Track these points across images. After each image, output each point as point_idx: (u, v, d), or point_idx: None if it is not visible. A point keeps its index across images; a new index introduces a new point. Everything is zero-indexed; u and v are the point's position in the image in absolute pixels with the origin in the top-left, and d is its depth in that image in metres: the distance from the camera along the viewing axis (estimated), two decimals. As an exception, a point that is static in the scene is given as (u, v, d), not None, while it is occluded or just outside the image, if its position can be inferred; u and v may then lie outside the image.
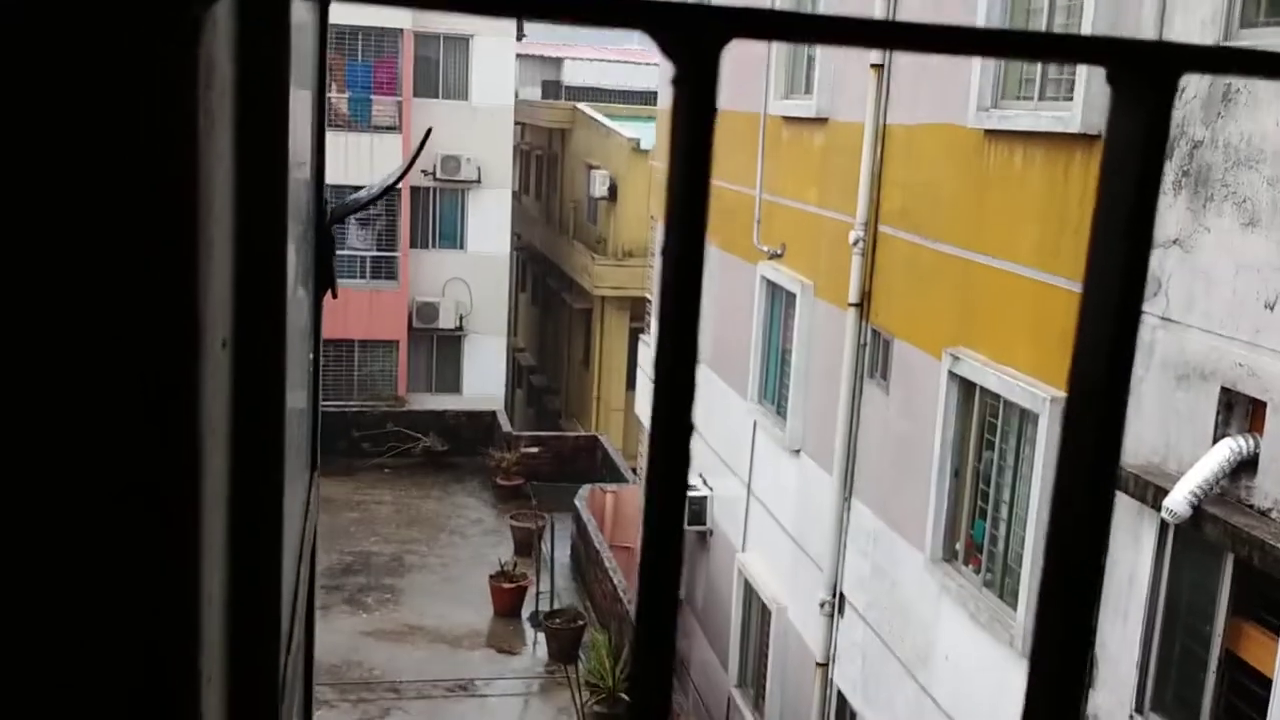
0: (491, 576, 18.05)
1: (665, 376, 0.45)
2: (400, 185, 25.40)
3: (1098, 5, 7.37)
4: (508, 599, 17.87)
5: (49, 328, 0.48)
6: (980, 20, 8.73)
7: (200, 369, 0.52)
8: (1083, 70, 7.51)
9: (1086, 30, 7.48)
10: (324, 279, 1.69)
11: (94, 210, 0.45)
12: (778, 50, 12.77)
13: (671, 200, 0.46)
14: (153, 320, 0.48)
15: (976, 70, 8.75)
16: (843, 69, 11.26)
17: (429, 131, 4.55)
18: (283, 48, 0.76)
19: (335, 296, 1.77)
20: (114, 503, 0.51)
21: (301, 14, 1.35)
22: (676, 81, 0.43)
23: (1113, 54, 0.49)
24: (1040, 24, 8.33)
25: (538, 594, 17.76)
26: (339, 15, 24.59)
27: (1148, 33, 6.92)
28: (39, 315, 0.47)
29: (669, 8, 0.43)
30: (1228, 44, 6.37)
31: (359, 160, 24.97)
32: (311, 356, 1.75)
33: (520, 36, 27.81)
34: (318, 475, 1.82)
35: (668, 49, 0.43)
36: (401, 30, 25.64)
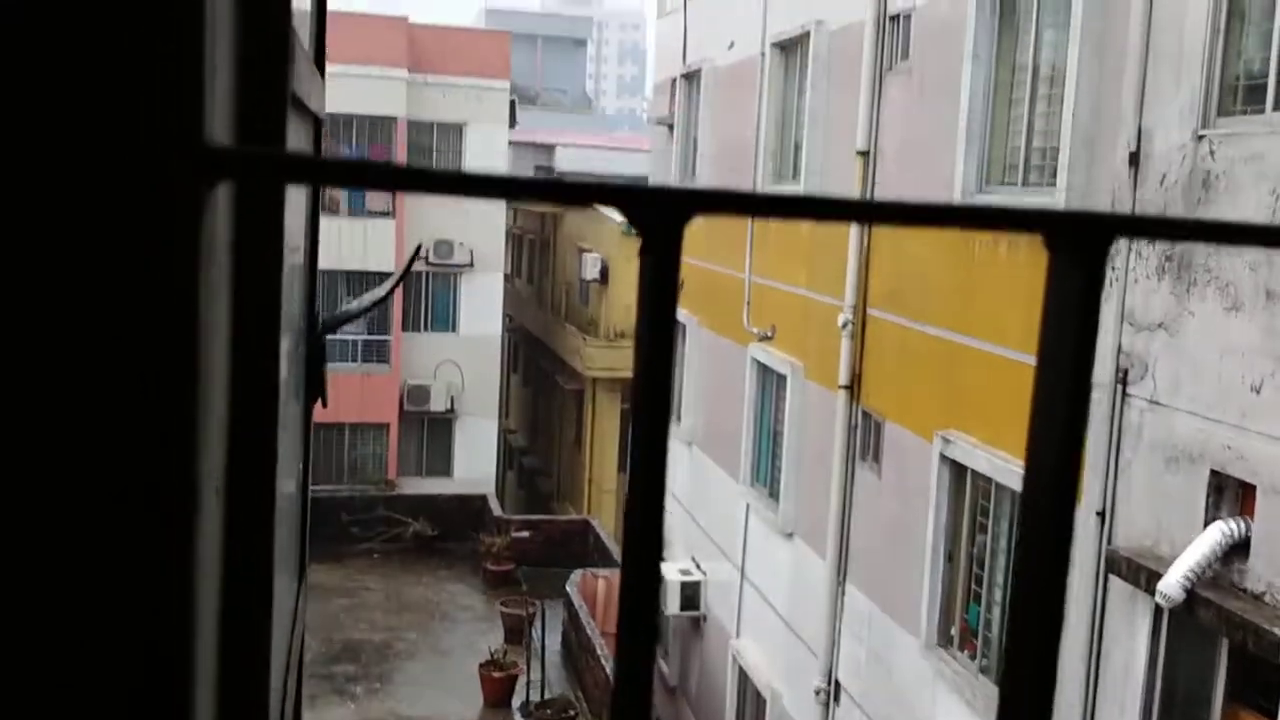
0: (481, 665, 17.81)
1: (631, 564, 0.47)
2: (392, 271, 25.54)
3: (1078, 97, 7.53)
4: (498, 688, 17.60)
5: (48, 481, 0.49)
6: (962, 114, 8.89)
7: (196, 521, 0.54)
8: (1065, 155, 7.65)
9: (1067, 119, 7.62)
10: (314, 389, 1.71)
11: (97, 391, 0.47)
12: (766, 135, 12.98)
13: (638, 360, 0.49)
14: (153, 483, 0.50)
15: (961, 155, 8.90)
16: (830, 155, 11.44)
17: (419, 247, 4.65)
18: (276, 224, 0.79)
19: (325, 406, 1.79)
20: (101, 655, 0.52)
21: (295, 143, 1.39)
22: (643, 252, 0.47)
23: (1049, 223, 0.52)
24: (1022, 113, 8.49)
25: (528, 683, 17.50)
26: (334, 103, 24.94)
27: (1127, 122, 7.06)
28: (39, 473, 0.49)
29: (638, 190, 0.47)
30: (1204, 132, 6.49)
31: (353, 245, 25.17)
32: (301, 467, 1.77)
33: (513, 124, 28.22)
34: (305, 583, 1.82)
35: (636, 224, 0.47)
36: (395, 118, 26.00)
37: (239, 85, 0.72)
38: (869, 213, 0.51)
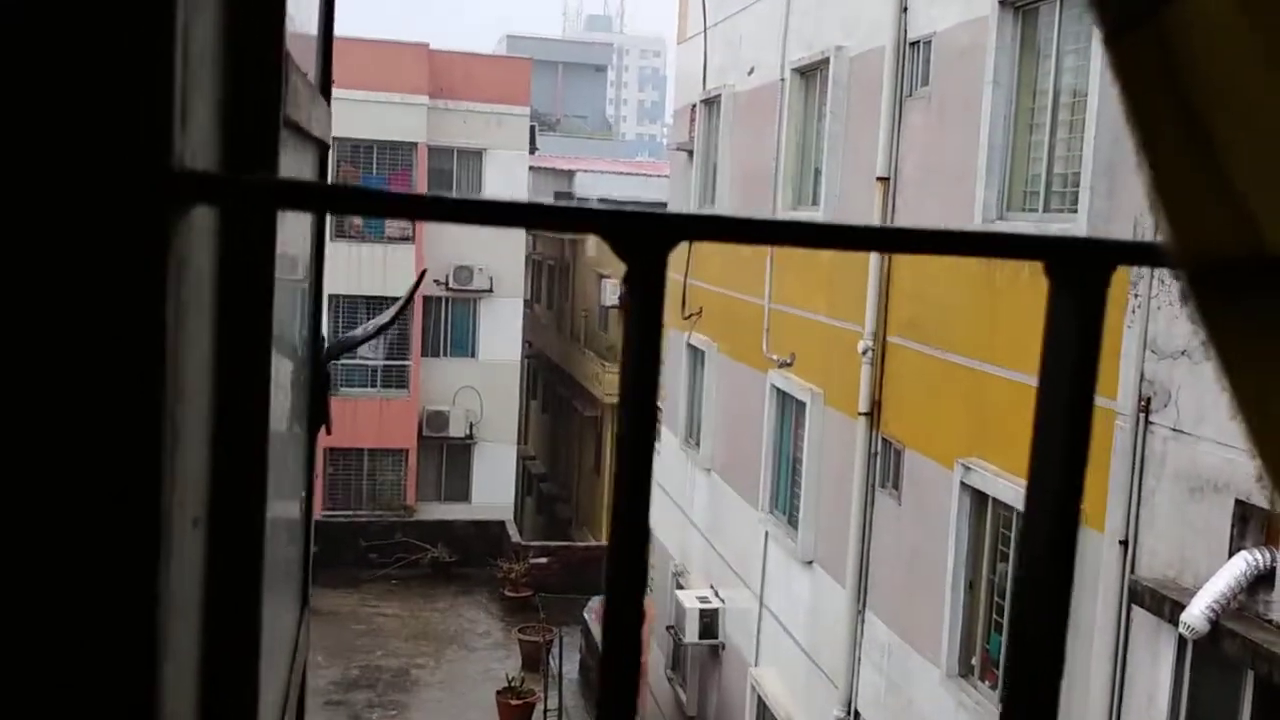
0: (499, 692, 17.74)
1: (616, 562, 0.45)
2: (411, 303, 25.64)
3: (1099, 123, 7.50)
4: (515, 716, 17.53)
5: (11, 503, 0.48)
6: (982, 140, 8.87)
7: (163, 549, 0.52)
8: (1087, 181, 7.61)
9: (1089, 145, 7.59)
10: (318, 417, 1.70)
11: (59, 399, 0.46)
12: (785, 160, 12.99)
13: (624, 384, 0.49)
14: (112, 499, 0.49)
15: (981, 181, 8.87)
16: (849, 181, 11.43)
17: (423, 273, 4.72)
18: (264, 248, 0.78)
19: (330, 433, 1.77)
20: (64, 685, 0.51)
21: (298, 169, 1.38)
22: (627, 279, 0.46)
23: (1048, 250, 0.52)
24: (1043, 139, 8.46)
25: (545, 711, 17.42)
26: (354, 129, 25.16)
27: None
28: None
29: (622, 215, 0.46)
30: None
31: (372, 271, 25.29)
32: (304, 494, 1.75)
33: (533, 150, 28.36)
34: (308, 613, 1.81)
35: (620, 251, 0.46)
36: (416, 144, 26.17)
37: (227, 109, 0.71)
38: (862, 239, 0.50)
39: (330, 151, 1.75)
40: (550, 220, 0.46)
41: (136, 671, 0.52)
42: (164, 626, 0.55)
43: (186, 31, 0.52)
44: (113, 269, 0.47)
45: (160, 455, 0.51)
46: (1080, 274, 0.49)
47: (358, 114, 24.76)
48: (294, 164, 1.19)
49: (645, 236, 0.44)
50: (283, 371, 1.22)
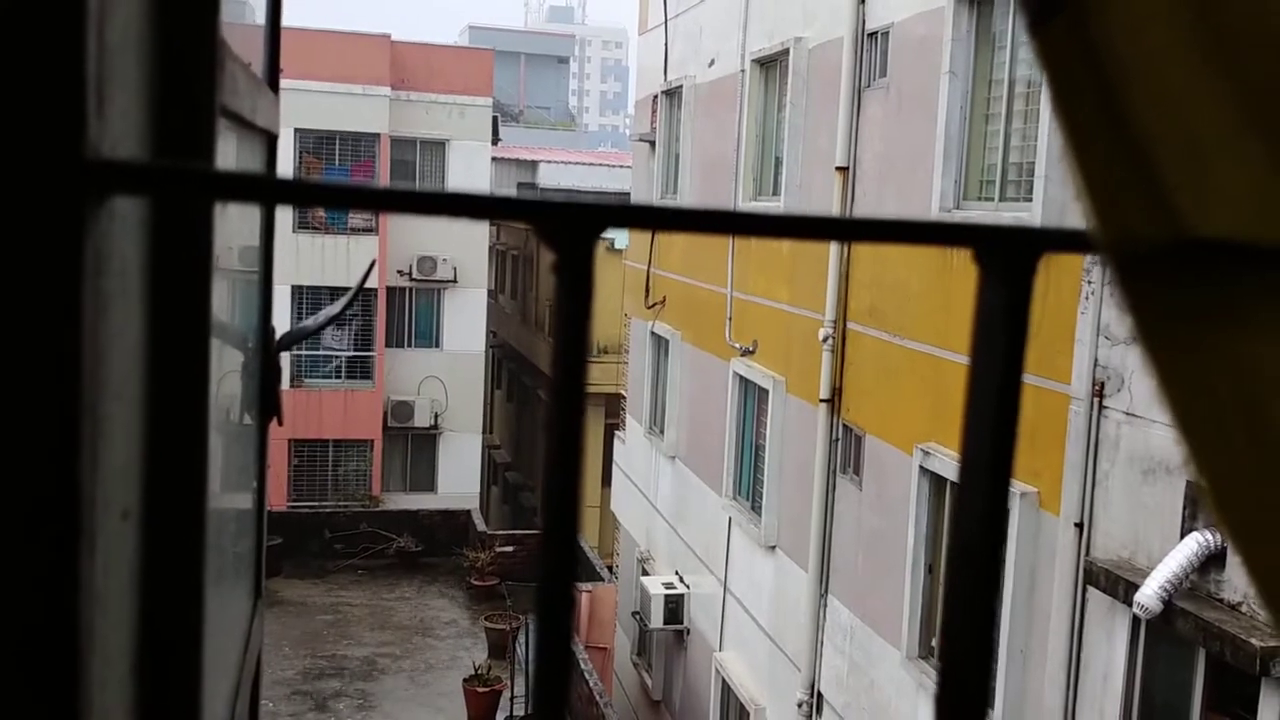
0: (466, 680, 17.73)
1: (548, 575, 0.47)
2: (376, 287, 25.52)
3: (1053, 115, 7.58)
4: (482, 703, 17.52)
5: None
6: (939, 130, 8.94)
7: (87, 545, 0.53)
8: (1041, 169, 7.69)
9: (1044, 135, 7.67)
10: (269, 407, 1.71)
11: None
12: (746, 151, 13.02)
13: (554, 373, 0.49)
14: (27, 491, 0.49)
15: (939, 170, 8.94)
16: (809, 171, 11.48)
17: (373, 263, 4.70)
18: (198, 238, 0.78)
19: (280, 424, 1.79)
20: None
21: (247, 162, 1.39)
22: (555, 268, 0.47)
23: (978, 238, 0.52)
24: (999, 129, 8.54)
25: (512, 698, 17.44)
26: (316, 120, 24.95)
27: None
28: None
29: (548, 205, 0.47)
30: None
31: (336, 262, 25.13)
32: (256, 485, 1.76)
33: (495, 140, 28.23)
34: (262, 603, 1.82)
35: (546, 239, 0.47)
36: (379, 135, 25.99)
37: (156, 98, 0.72)
38: (793, 227, 0.51)
39: (278, 143, 1.76)
40: (477, 210, 0.47)
41: (58, 665, 0.52)
42: (89, 619, 0.55)
43: (102, 16, 0.52)
44: (23, 260, 0.47)
45: (78, 447, 0.50)
46: (1008, 262, 0.49)
47: (320, 105, 24.56)
48: (236, 154, 1.20)
49: (570, 224, 0.45)
50: (228, 361, 1.23)
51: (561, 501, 0.46)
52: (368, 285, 25.31)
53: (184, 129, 0.76)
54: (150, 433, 0.73)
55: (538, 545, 0.49)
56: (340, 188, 0.48)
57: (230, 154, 1.13)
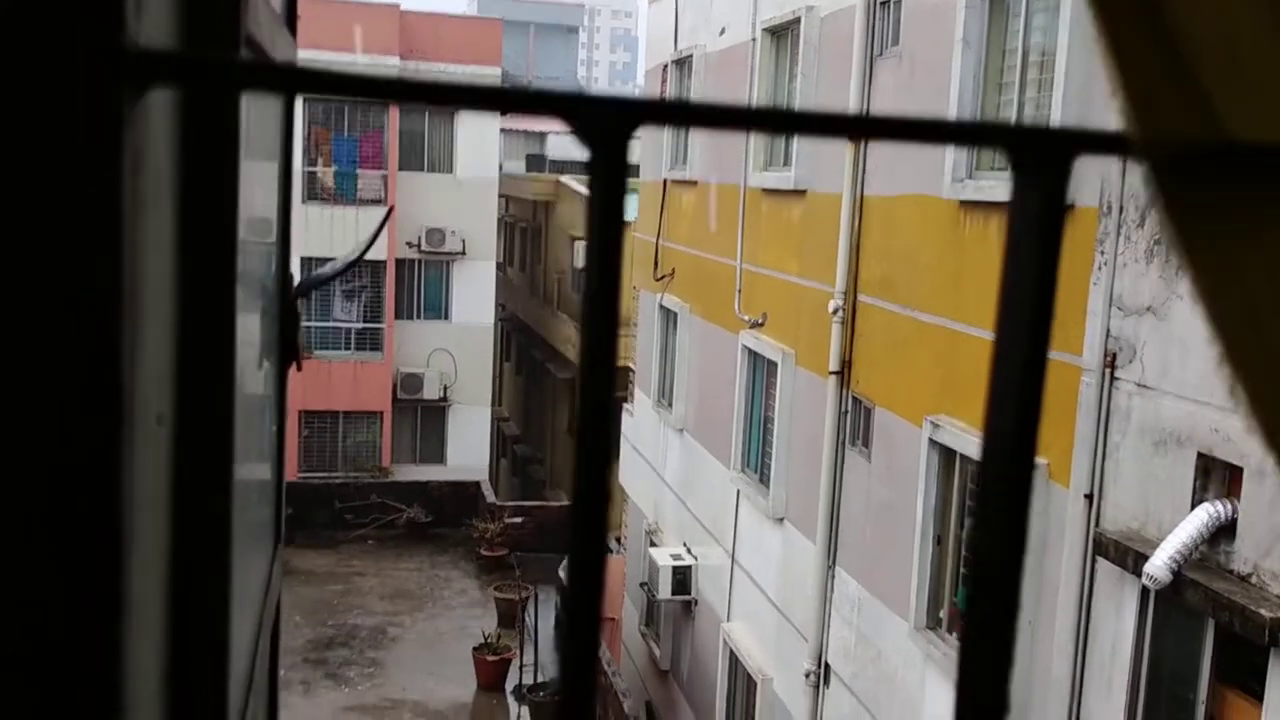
0: (475, 649, 17.85)
1: (582, 457, 0.47)
2: (385, 258, 25.51)
3: (1067, 82, 7.52)
4: (492, 672, 17.65)
5: None
6: (952, 99, 8.89)
7: (126, 444, 0.53)
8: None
9: (1056, 104, 7.62)
10: (289, 352, 1.71)
11: (15, 288, 0.47)
12: (757, 123, 12.95)
13: (589, 280, 0.49)
14: (69, 393, 0.49)
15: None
16: (821, 141, 11.43)
17: (391, 208, 4.66)
18: (231, 135, 0.78)
19: (300, 369, 1.79)
20: (25, 584, 0.51)
21: (263, 96, 1.38)
22: (589, 166, 0.47)
23: (1012, 139, 0.52)
24: (1012, 98, 8.49)
25: (521, 666, 17.55)
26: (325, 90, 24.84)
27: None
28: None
29: (582, 99, 0.46)
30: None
31: (345, 233, 25.11)
32: (275, 429, 1.76)
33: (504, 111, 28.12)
34: (281, 547, 1.83)
35: (581, 134, 0.46)
36: (387, 105, 25.90)
37: (183, 14, 0.71)
38: (827, 125, 0.51)
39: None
40: (512, 104, 0.46)
41: (102, 560, 0.52)
42: (128, 518, 0.55)
43: None
44: (66, 150, 0.47)
45: (119, 347, 0.51)
46: (1042, 162, 0.49)
47: (328, 74, 24.44)
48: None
49: (608, 118, 0.45)
50: (250, 300, 1.23)
51: (595, 413, 0.45)
52: (377, 258, 25.31)
53: (209, 48, 0.75)
54: (181, 336, 0.73)
55: (571, 473, 0.48)
56: (382, 80, 0.47)
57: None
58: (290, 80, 0.46)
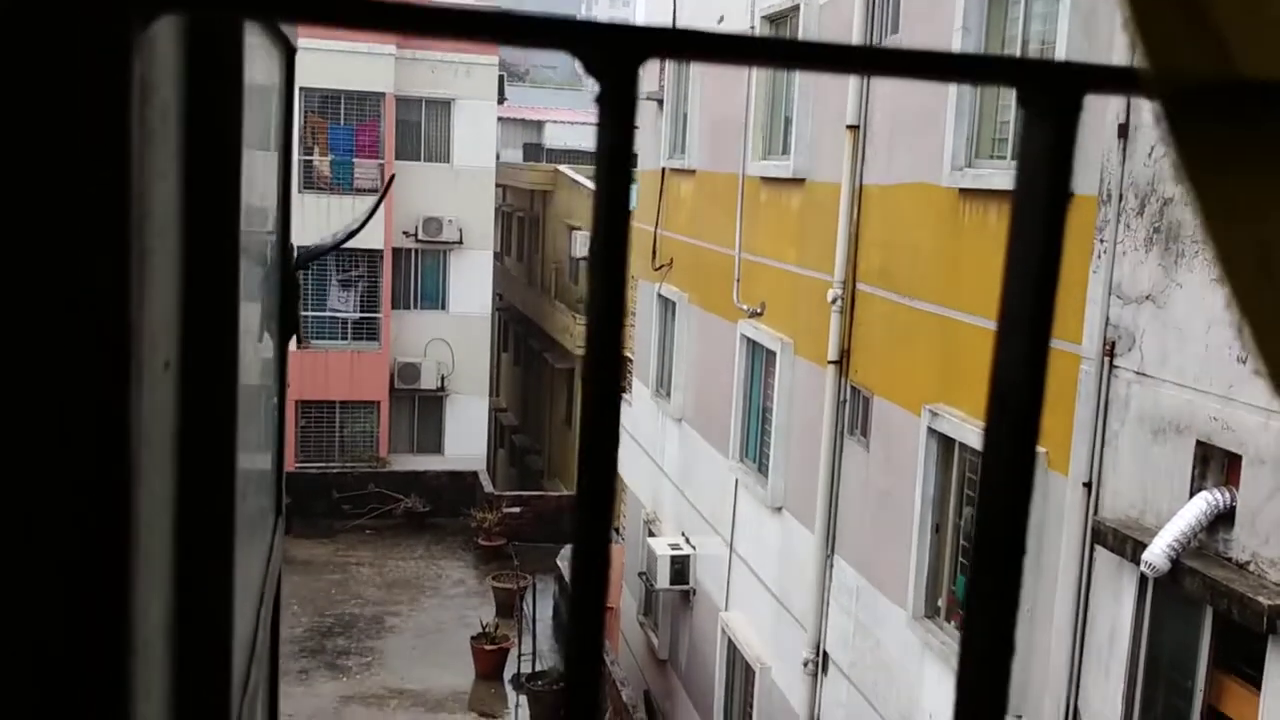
0: (473, 638, 17.87)
1: (592, 396, 0.45)
2: (382, 248, 25.48)
3: (1072, 19, 7.48)
4: (490, 661, 17.67)
5: None
6: (952, 86, 8.86)
7: (134, 386, 0.52)
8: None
9: (1061, 45, 7.58)
10: (289, 325, 1.70)
11: (14, 211, 0.46)
12: (756, 111, 12.94)
13: (596, 216, 0.47)
14: (77, 331, 0.48)
15: (950, 130, 8.88)
16: (820, 130, 11.41)
17: (391, 178, 4.64)
18: (235, 73, 0.77)
19: (300, 345, 1.79)
20: (30, 531, 0.51)
21: (265, 73, 1.37)
22: (599, 99, 0.45)
23: (1022, 75, 0.51)
24: (1016, 36, 8.46)
25: (519, 655, 17.57)
26: (322, 80, 24.82)
27: (1120, 51, 7.01)
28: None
29: (590, 27, 0.45)
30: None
31: (342, 222, 25.05)
32: (276, 401, 1.76)
33: (501, 100, 28.08)
34: (281, 520, 1.82)
35: (589, 66, 0.45)
36: (384, 94, 25.86)
37: None
38: (836, 58, 0.49)
39: (295, 59, 1.74)
40: (518, 35, 0.45)
41: (110, 494, 0.52)
42: (137, 457, 0.55)
43: None
44: (75, 77, 0.46)
45: (127, 287, 0.50)
46: (1052, 97, 0.48)
47: (325, 64, 24.42)
48: (262, 59, 1.19)
49: (617, 49, 0.43)
50: (255, 271, 1.22)
51: (607, 353, 0.44)
52: (374, 247, 25.26)
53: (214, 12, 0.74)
54: (186, 284, 0.73)
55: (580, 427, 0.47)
56: (390, 6, 0.46)
57: (258, 58, 1.11)
58: (292, 6, 0.45)
